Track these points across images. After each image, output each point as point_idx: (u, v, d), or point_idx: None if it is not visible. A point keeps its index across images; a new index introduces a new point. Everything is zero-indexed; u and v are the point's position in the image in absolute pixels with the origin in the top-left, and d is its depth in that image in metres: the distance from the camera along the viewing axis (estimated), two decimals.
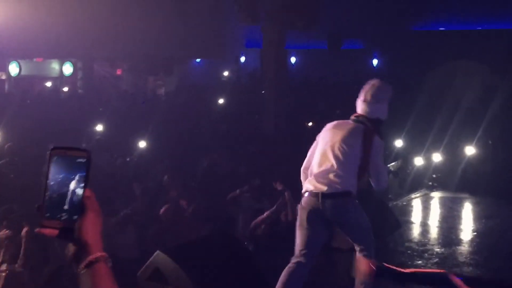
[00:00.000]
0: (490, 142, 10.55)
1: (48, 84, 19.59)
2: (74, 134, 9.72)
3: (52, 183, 1.38)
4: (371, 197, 8.17)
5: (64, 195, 1.38)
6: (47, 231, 1.37)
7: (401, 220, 7.93)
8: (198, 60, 20.28)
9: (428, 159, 10.33)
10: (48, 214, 1.37)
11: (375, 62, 19.78)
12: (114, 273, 1.37)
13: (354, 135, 4.46)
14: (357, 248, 4.52)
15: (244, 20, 10.55)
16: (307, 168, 4.66)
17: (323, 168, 4.48)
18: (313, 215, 4.44)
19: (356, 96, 4.56)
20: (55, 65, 18.93)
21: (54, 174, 1.38)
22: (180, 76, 18.77)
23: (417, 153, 10.14)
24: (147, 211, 6.90)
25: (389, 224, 7.58)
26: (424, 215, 8.95)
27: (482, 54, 16.37)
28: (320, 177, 4.47)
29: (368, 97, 4.48)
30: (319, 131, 4.70)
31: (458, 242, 7.40)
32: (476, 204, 8.88)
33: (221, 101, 14.66)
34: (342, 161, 4.42)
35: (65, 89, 18.64)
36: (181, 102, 14.72)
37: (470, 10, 17.34)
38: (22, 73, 16.36)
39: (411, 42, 18.08)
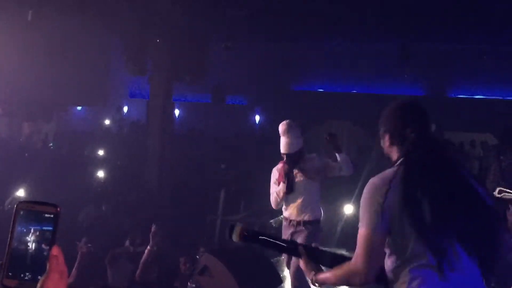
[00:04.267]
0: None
1: None
2: None
3: (16, 239, 1.26)
4: (252, 252, 8.23)
5: (29, 253, 1.26)
6: None
7: (282, 276, 8.04)
8: (79, 108, 19.76)
9: None
10: (10, 273, 1.25)
11: (257, 118, 20.30)
12: None
13: None
14: None
15: (131, 71, 10.50)
16: None
17: None
18: None
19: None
20: None
21: (20, 230, 1.27)
22: (59, 123, 18.13)
23: None
24: None
25: (271, 279, 7.64)
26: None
27: (357, 116, 17.34)
28: None
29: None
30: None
31: None
32: None
33: (101, 151, 14.29)
34: None
35: None
36: (62, 151, 14.18)
37: (346, 74, 18.40)
38: None
39: (291, 101, 18.78)
